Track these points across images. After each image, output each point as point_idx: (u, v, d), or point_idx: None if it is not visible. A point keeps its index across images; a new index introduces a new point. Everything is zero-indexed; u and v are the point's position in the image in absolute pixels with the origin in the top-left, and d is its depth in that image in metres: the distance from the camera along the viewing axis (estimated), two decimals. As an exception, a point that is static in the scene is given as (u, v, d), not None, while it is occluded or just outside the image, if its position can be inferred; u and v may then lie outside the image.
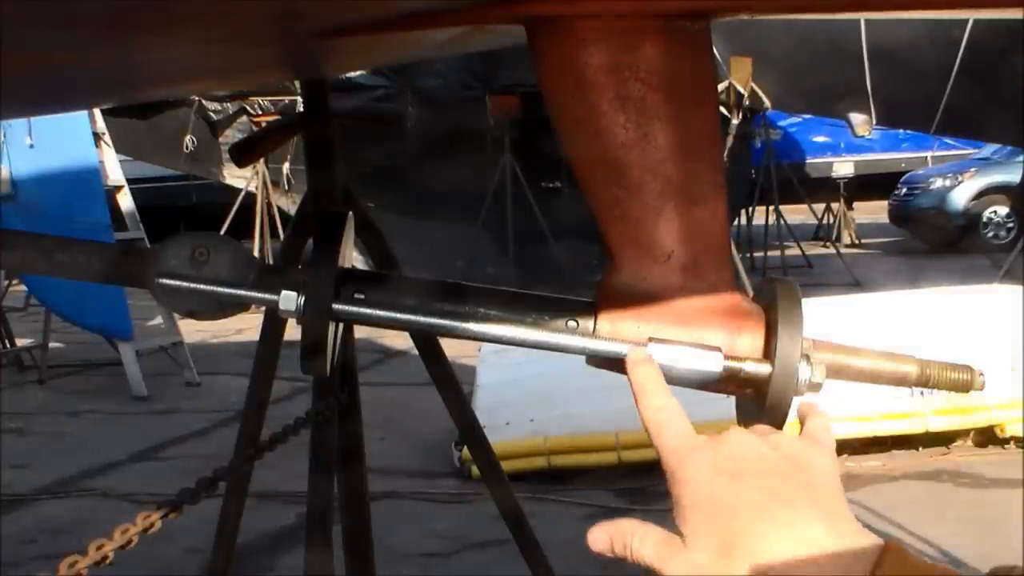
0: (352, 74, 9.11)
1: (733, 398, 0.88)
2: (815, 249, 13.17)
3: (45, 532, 4.33)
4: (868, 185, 15.83)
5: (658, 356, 0.80)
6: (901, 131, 14.58)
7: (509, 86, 9.83)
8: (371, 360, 7.20)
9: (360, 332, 1.81)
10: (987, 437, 4.77)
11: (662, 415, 0.71)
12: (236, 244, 0.90)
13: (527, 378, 5.05)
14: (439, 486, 4.67)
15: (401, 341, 7.11)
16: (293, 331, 0.97)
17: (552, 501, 4.36)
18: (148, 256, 0.90)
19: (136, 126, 10.41)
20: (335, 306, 0.86)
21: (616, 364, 0.83)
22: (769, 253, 12.05)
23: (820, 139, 16.22)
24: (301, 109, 2.21)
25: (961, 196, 13.45)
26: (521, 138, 9.81)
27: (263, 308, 0.94)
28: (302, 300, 0.86)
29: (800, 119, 15.18)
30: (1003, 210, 13.50)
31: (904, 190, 14.19)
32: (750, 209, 12.59)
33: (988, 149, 13.96)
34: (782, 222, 11.86)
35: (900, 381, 0.86)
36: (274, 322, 2.08)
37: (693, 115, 0.82)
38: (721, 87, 8.65)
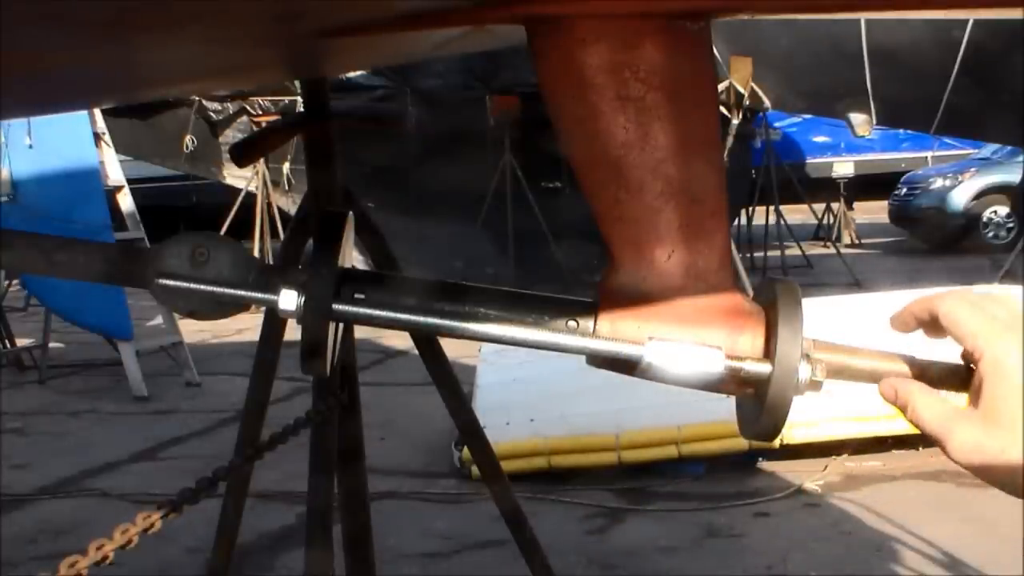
0: (352, 74, 9.11)
1: (733, 398, 0.88)
2: (815, 249, 13.17)
3: (45, 532, 4.33)
4: (868, 185, 15.84)
5: (658, 355, 0.80)
6: (901, 131, 14.60)
7: (509, 86, 9.82)
8: (371, 360, 7.20)
9: (360, 332, 1.81)
10: (987, 437, 4.75)
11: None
12: (236, 244, 0.90)
13: (527, 378, 5.05)
14: (439, 486, 4.67)
15: (401, 341, 7.11)
16: (293, 331, 0.97)
17: (552, 501, 4.35)
18: (148, 256, 0.89)
19: (136, 126, 10.40)
20: (335, 306, 0.86)
21: (616, 364, 0.83)
22: (769, 253, 12.05)
23: (820, 139, 16.23)
24: (301, 109, 2.21)
25: (961, 196, 13.46)
26: (521, 138, 9.80)
27: (263, 308, 0.94)
28: (302, 300, 0.86)
29: (800, 119, 15.18)
30: (1003, 210, 13.50)
31: (904, 190, 14.20)
32: (750, 209, 12.60)
33: (988, 149, 13.96)
34: (782, 222, 11.86)
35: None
36: (274, 322, 2.08)
37: (693, 115, 0.82)
38: (721, 87, 8.65)
